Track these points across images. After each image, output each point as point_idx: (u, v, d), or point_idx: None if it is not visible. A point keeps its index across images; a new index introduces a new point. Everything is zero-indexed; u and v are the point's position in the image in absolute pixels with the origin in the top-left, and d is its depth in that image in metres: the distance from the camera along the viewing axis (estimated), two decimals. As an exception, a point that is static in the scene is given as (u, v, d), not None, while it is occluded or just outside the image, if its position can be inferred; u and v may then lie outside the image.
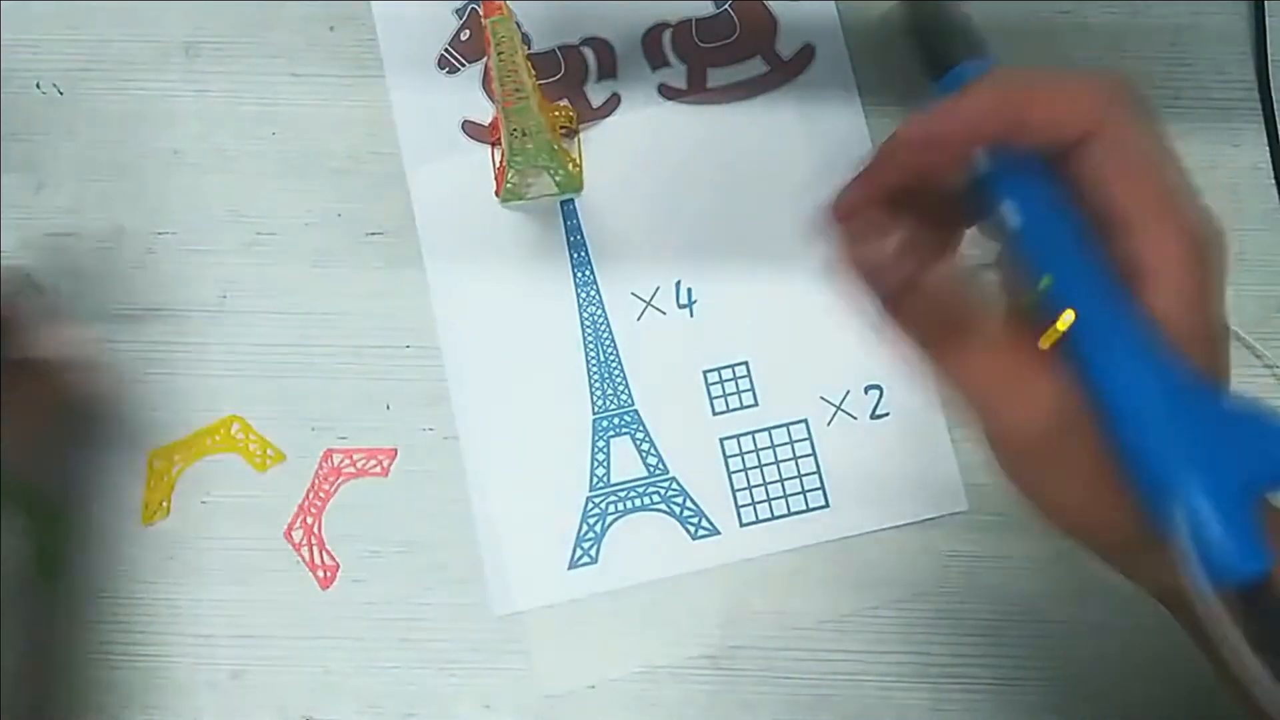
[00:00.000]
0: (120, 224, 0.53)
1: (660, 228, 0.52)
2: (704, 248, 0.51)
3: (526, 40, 0.54)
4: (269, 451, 0.50)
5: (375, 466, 0.50)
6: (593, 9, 0.54)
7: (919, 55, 0.30)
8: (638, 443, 0.50)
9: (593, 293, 0.51)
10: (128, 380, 0.51)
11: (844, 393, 0.50)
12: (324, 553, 0.49)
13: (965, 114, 0.27)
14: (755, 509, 0.49)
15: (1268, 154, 0.52)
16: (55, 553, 0.50)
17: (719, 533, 0.49)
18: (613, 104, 0.53)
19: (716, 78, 0.53)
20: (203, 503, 0.50)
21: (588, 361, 0.51)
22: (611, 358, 0.51)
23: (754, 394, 0.50)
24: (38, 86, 0.54)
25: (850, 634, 0.48)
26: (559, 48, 0.53)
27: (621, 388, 0.50)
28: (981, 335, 0.28)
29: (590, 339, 0.51)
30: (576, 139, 0.52)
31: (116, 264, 0.52)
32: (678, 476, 0.50)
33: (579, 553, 0.49)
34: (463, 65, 0.54)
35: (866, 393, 0.50)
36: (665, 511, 0.49)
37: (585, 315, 0.51)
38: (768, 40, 0.53)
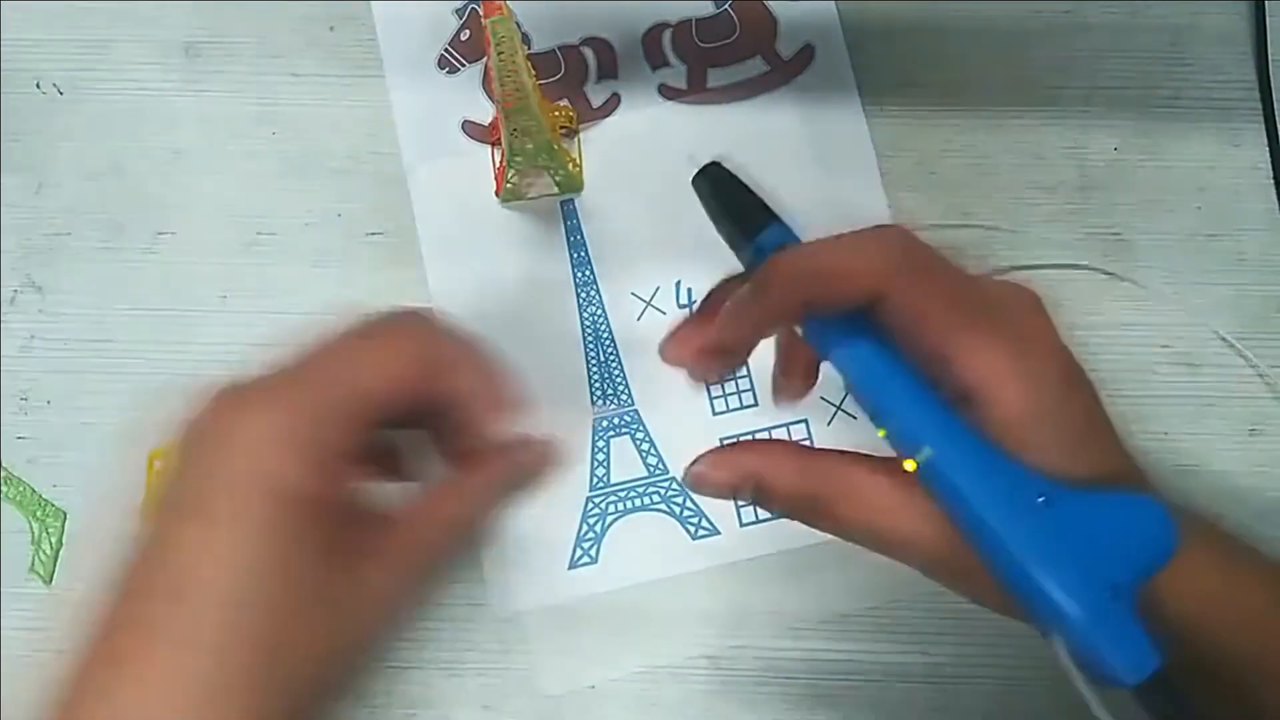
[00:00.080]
0: (121, 224, 0.53)
1: (660, 228, 0.52)
2: (704, 248, 0.51)
3: (526, 40, 0.54)
4: (269, 451, 0.50)
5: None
6: (593, 9, 0.54)
7: (723, 230, 0.32)
8: (638, 443, 0.50)
9: (593, 293, 0.51)
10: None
11: (844, 393, 0.50)
12: (324, 553, 0.49)
13: (764, 306, 0.29)
14: (755, 509, 0.49)
15: (1268, 154, 0.52)
16: (55, 553, 0.50)
17: (719, 533, 0.49)
18: (613, 104, 0.53)
19: (716, 78, 0.53)
20: (203, 503, 0.50)
21: (588, 361, 0.51)
22: (611, 358, 0.51)
23: (754, 394, 0.50)
24: (38, 86, 0.54)
25: (850, 634, 0.48)
26: (559, 48, 0.53)
27: (621, 388, 0.50)
28: (849, 493, 0.29)
29: (590, 339, 0.51)
30: (576, 139, 0.52)
31: (116, 264, 0.52)
32: (678, 476, 0.50)
33: (579, 553, 0.49)
34: (463, 65, 0.54)
35: (866, 393, 0.50)
36: (665, 511, 0.49)
37: (585, 315, 0.51)
38: (768, 40, 0.53)
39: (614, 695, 0.48)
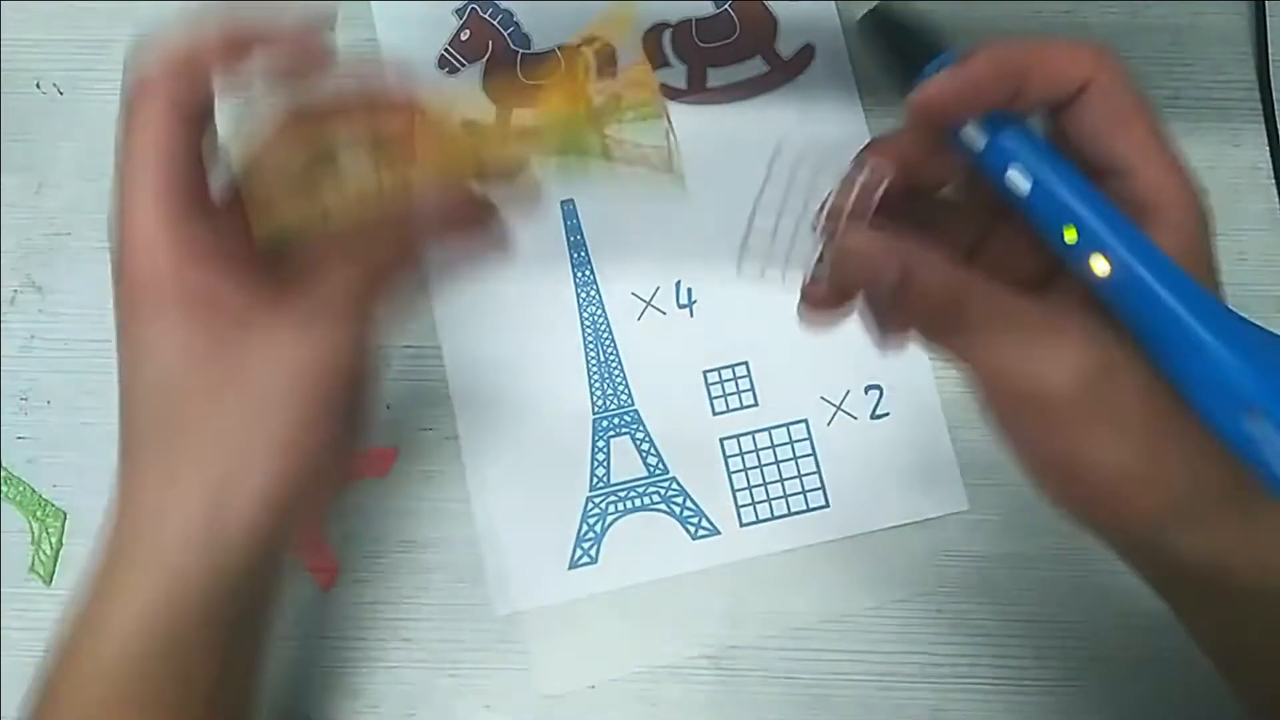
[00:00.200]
0: (120, 224, 0.53)
1: (660, 227, 0.52)
2: (704, 248, 0.51)
3: (526, 40, 0.54)
4: (269, 451, 0.50)
5: (375, 466, 0.50)
6: (593, 9, 0.53)
7: (893, 62, 0.30)
8: (638, 443, 0.50)
9: (593, 293, 0.51)
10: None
11: (844, 393, 0.50)
12: (324, 553, 0.49)
13: (974, 73, 0.27)
14: (755, 509, 0.49)
15: (1268, 154, 0.52)
16: (55, 553, 0.50)
17: (719, 533, 0.49)
18: (613, 104, 0.53)
19: (716, 78, 0.53)
20: (203, 503, 0.50)
21: (588, 361, 0.51)
22: (611, 358, 0.51)
23: (754, 394, 0.50)
24: (38, 86, 0.54)
25: (850, 634, 0.48)
26: (559, 47, 0.53)
27: (621, 388, 0.50)
28: (992, 311, 0.28)
29: (590, 339, 0.51)
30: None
31: (116, 264, 0.52)
32: (678, 476, 0.50)
33: (579, 553, 0.49)
34: (463, 65, 0.54)
35: (866, 393, 0.50)
36: (665, 511, 0.49)
37: (585, 315, 0.51)
38: (768, 40, 0.53)
39: (614, 695, 0.48)
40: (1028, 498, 0.31)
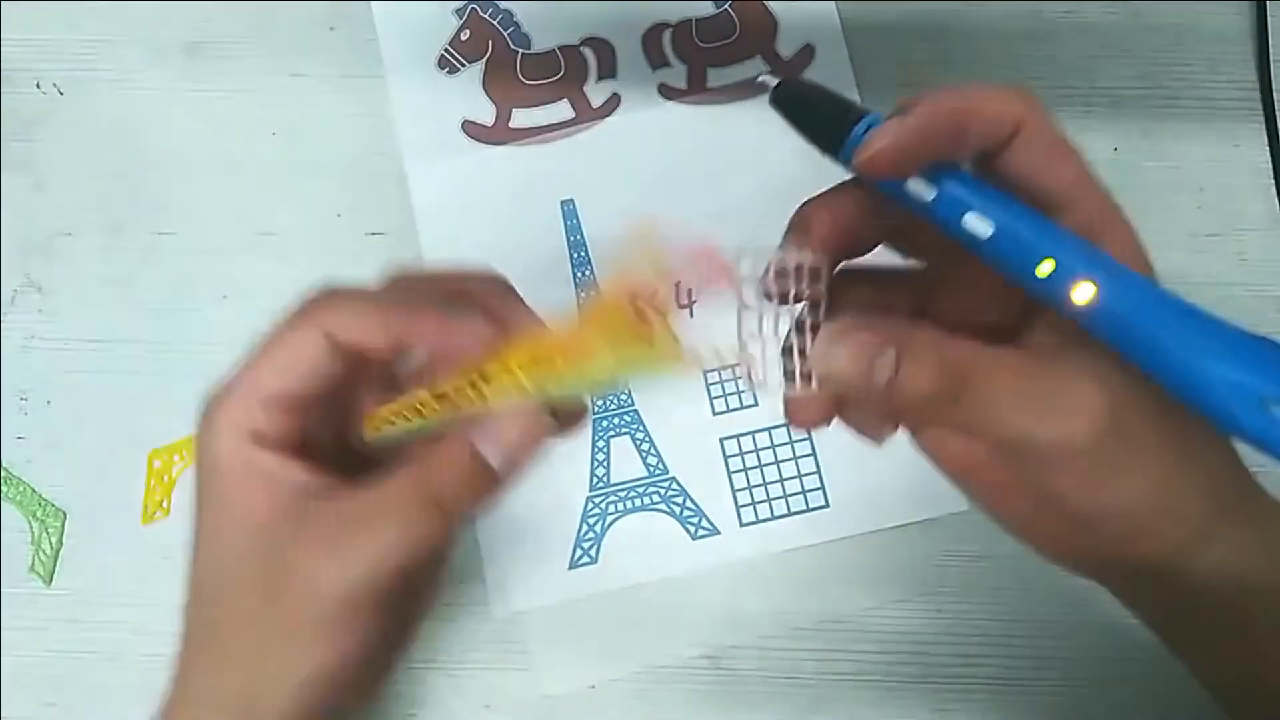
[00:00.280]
0: (121, 224, 0.53)
1: (660, 227, 0.52)
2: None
3: (526, 40, 0.54)
4: (269, 451, 0.50)
5: (375, 466, 0.50)
6: (593, 9, 0.54)
7: (816, 129, 0.30)
8: (638, 443, 0.50)
9: (593, 293, 0.51)
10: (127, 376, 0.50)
11: (844, 393, 0.50)
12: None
13: (920, 125, 0.27)
14: (755, 509, 0.49)
15: (1268, 154, 0.52)
16: (55, 552, 0.50)
17: (719, 533, 0.49)
18: (613, 104, 0.53)
19: (716, 78, 0.53)
20: (203, 503, 0.50)
21: (588, 361, 0.51)
22: (611, 358, 0.51)
23: (754, 394, 0.50)
24: (38, 86, 0.54)
25: (850, 634, 0.48)
26: (559, 48, 0.53)
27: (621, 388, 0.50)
28: (995, 378, 0.27)
29: (590, 339, 0.51)
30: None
31: (116, 264, 0.52)
32: (678, 476, 0.50)
33: (579, 553, 0.49)
34: (462, 65, 0.54)
35: (866, 393, 0.50)
36: (665, 511, 0.49)
37: (585, 315, 0.51)
38: (768, 40, 0.53)
39: (614, 695, 0.48)
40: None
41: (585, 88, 0.53)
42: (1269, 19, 0.53)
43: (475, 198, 0.52)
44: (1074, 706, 0.47)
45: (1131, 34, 0.53)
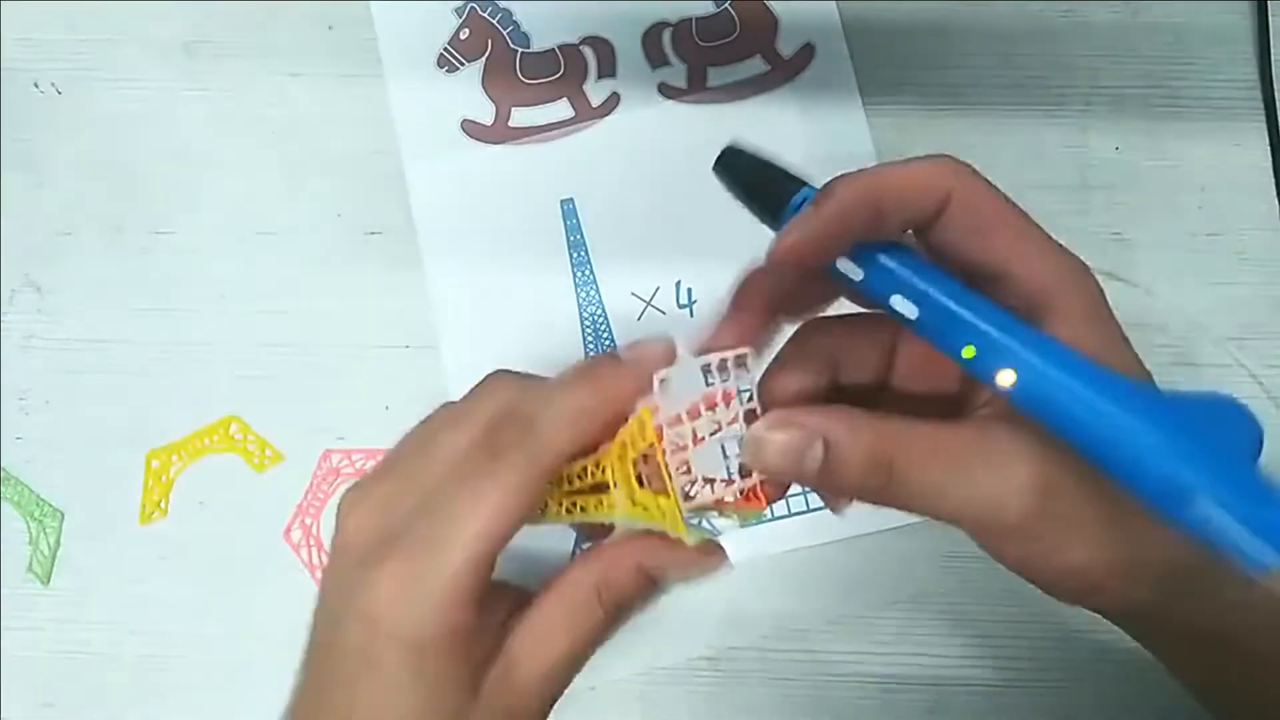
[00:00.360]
0: (120, 224, 0.53)
1: (660, 227, 0.52)
2: (704, 248, 0.51)
3: (526, 39, 0.54)
4: (267, 452, 0.50)
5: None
6: (593, 8, 0.54)
7: (756, 201, 0.30)
8: (637, 443, 0.50)
9: (593, 293, 0.51)
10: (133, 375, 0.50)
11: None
12: (323, 553, 0.49)
13: (833, 212, 0.27)
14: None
15: (1268, 154, 0.52)
16: (53, 552, 0.49)
17: (719, 533, 0.49)
18: (613, 103, 0.53)
19: (716, 77, 0.53)
20: (201, 503, 0.50)
21: (587, 361, 0.51)
22: (611, 357, 0.51)
23: (754, 394, 0.50)
24: (37, 86, 0.54)
25: (850, 634, 0.48)
26: (559, 47, 0.53)
27: (621, 387, 0.50)
28: (923, 456, 0.27)
29: (590, 339, 0.51)
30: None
31: (116, 264, 0.52)
32: (677, 476, 0.49)
33: (579, 552, 0.49)
34: (462, 64, 0.54)
35: (866, 393, 0.50)
36: (665, 511, 0.49)
37: (585, 315, 0.51)
38: (768, 39, 0.53)
39: (614, 695, 0.48)
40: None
41: (585, 87, 0.53)
42: (1269, 19, 0.53)
43: (475, 197, 0.52)
44: (1074, 706, 0.47)
45: (1132, 34, 0.53)
